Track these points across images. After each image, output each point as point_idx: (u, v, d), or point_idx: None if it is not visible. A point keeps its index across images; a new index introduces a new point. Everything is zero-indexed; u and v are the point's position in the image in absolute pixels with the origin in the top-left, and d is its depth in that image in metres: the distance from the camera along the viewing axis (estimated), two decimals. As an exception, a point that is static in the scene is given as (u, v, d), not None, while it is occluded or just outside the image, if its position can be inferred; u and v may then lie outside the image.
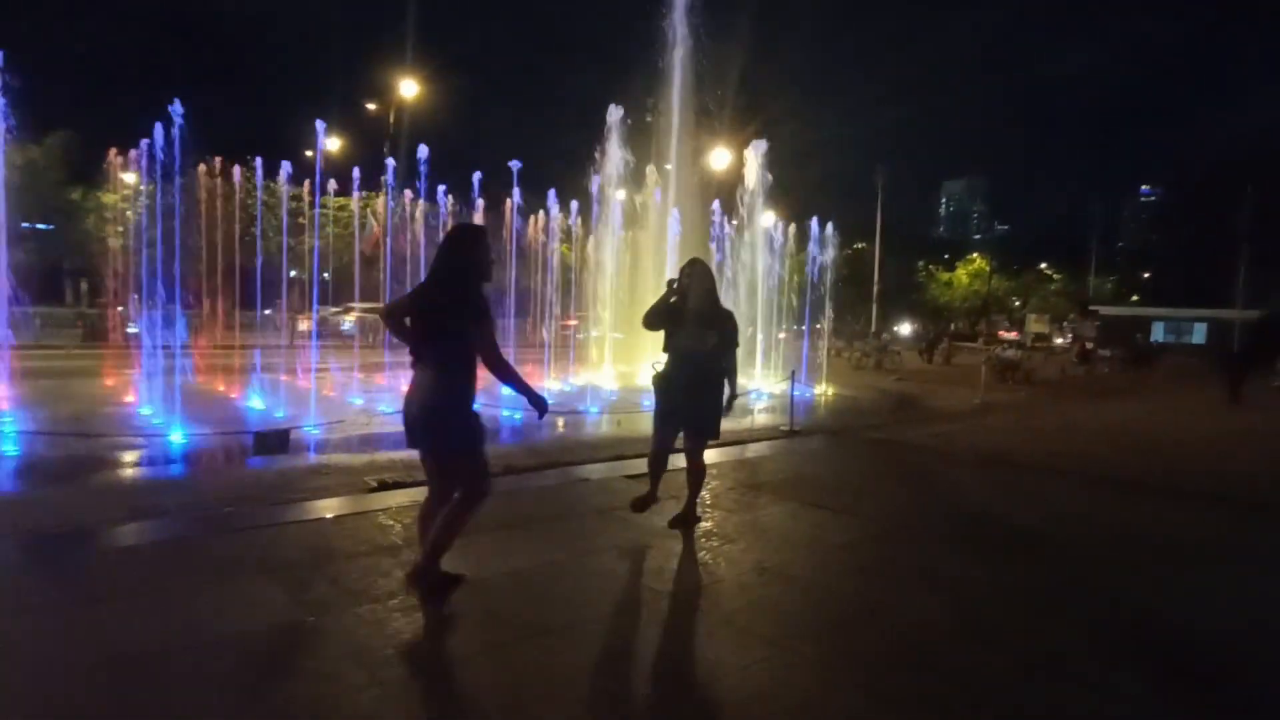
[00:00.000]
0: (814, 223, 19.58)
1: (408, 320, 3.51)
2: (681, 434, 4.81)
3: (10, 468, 6.51)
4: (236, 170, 21.05)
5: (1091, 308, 41.36)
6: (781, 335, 20.55)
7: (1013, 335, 36.78)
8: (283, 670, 2.91)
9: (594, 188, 17.76)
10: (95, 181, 34.58)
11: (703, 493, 5.34)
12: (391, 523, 4.81)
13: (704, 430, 4.77)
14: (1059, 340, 48.66)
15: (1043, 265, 63.63)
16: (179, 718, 2.55)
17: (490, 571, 3.91)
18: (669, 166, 20.66)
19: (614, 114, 18.24)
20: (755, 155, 18.96)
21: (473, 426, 3.44)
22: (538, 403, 3.49)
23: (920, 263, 62.13)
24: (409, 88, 26.32)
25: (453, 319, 3.36)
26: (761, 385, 14.96)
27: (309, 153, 39.91)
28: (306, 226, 37.04)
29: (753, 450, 8.21)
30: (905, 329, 51.17)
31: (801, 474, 6.91)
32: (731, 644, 3.24)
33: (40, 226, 36.18)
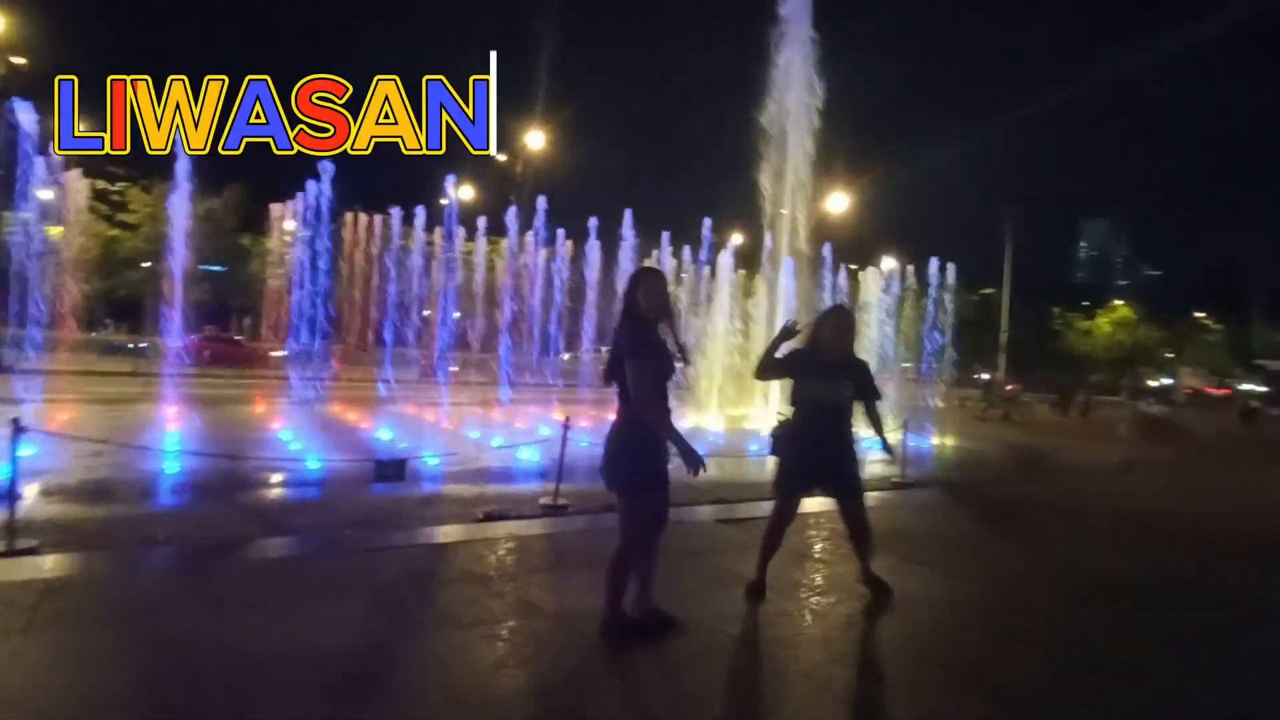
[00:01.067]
0: (932, 265, 18.86)
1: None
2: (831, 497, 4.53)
3: (169, 484, 7.29)
4: (388, 218, 22.83)
5: (1257, 361, 37.25)
6: (891, 381, 19.79)
7: (1156, 383, 33.57)
8: (370, 685, 3.12)
9: (707, 230, 18.02)
10: (261, 229, 38.52)
11: (796, 542, 5.28)
12: (489, 554, 5.02)
13: (856, 486, 4.52)
14: (1213, 392, 43.99)
15: (1199, 314, 58.12)
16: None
17: (580, 606, 4.00)
18: (783, 210, 20.62)
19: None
20: (870, 197, 18.67)
21: (639, 468, 3.46)
22: (689, 457, 3.32)
23: (1056, 309, 58.27)
24: (535, 139, 27.84)
25: (614, 359, 3.50)
26: (869, 435, 14.45)
27: (443, 200, 42.82)
28: (437, 269, 39.52)
29: (873, 499, 7.95)
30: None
31: (906, 528, 6.62)
32: (808, 697, 3.18)
33: (214, 269, 40.40)
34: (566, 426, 7.50)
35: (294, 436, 10.43)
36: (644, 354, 3.40)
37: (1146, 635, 4.24)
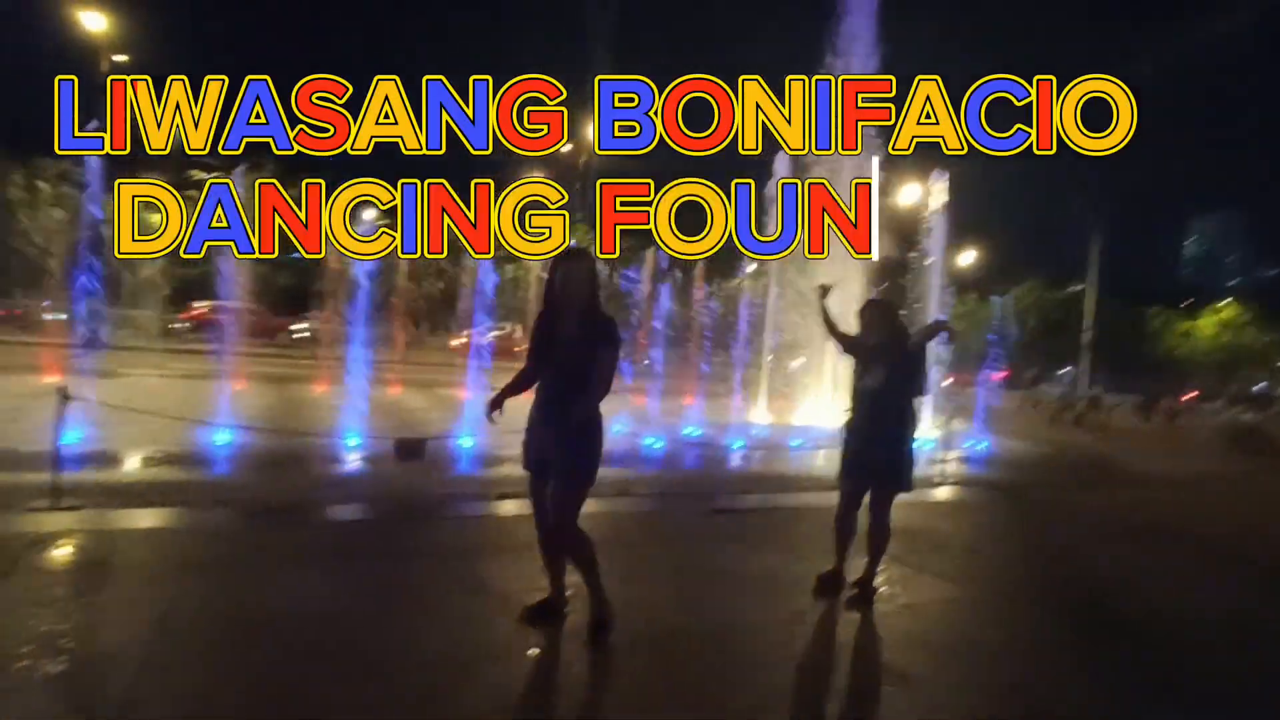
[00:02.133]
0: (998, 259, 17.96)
1: None
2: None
3: (224, 454, 7.68)
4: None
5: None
6: (949, 380, 18.98)
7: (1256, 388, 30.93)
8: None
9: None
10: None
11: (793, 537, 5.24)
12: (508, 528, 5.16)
13: (889, 479, 4.36)
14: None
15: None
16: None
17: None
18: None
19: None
20: (939, 187, 17.92)
21: (599, 456, 3.48)
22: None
23: (1153, 309, 54.75)
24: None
25: (575, 344, 3.46)
26: (932, 434, 13.98)
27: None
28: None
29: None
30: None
31: (911, 526, 6.36)
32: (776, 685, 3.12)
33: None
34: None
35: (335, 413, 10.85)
36: (617, 343, 3.41)
37: (1133, 657, 3.99)
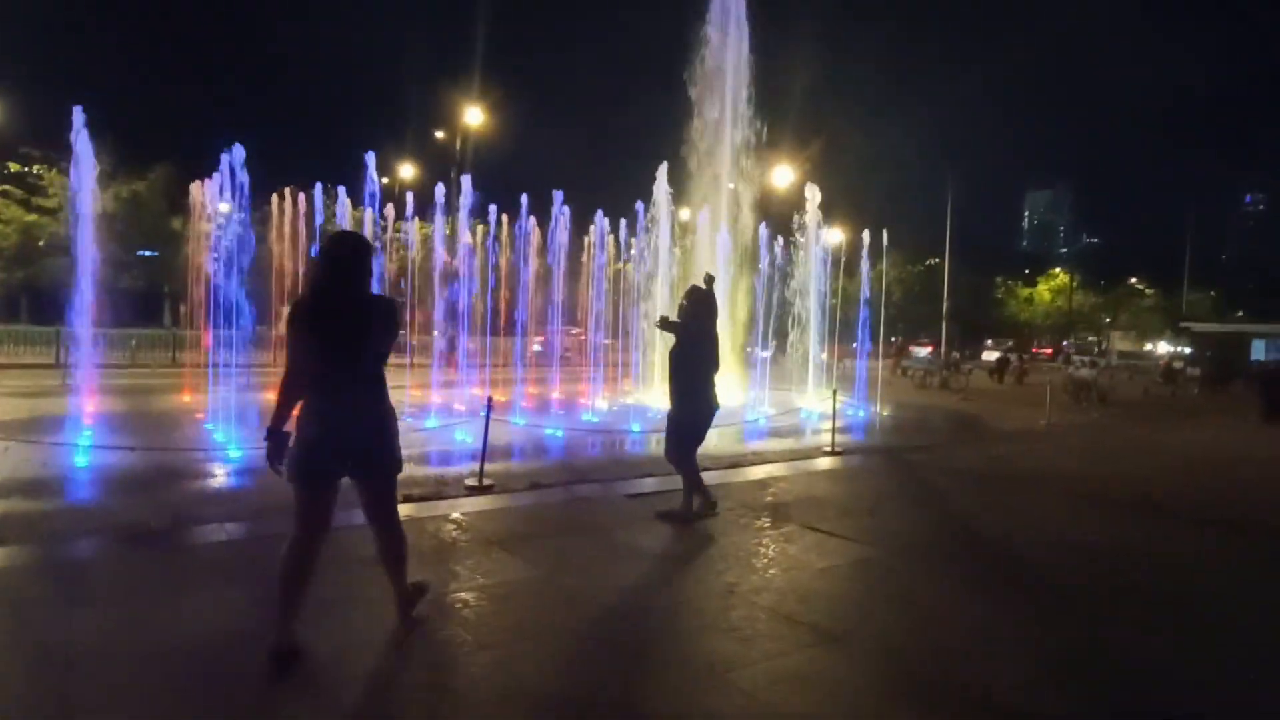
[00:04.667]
0: (865, 236, 19.01)
1: None
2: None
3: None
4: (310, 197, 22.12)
5: (1184, 324, 38.79)
6: (824, 354, 20.00)
7: (1082, 356, 34.52)
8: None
9: (642, 208, 17.85)
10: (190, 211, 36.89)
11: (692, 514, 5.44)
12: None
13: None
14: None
15: (1133, 280, 60.25)
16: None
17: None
18: (732, 186, 20.51)
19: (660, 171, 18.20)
20: (810, 168, 18.73)
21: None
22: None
23: (999, 278, 59.79)
24: (474, 115, 27.25)
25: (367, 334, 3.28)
26: (810, 405, 14.66)
27: (385, 179, 41.80)
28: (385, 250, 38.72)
29: (779, 470, 8.04)
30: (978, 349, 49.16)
31: (814, 495, 6.71)
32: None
33: (145, 254, 38.68)
34: (489, 408, 7.39)
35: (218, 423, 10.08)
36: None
37: (1001, 587, 4.42)
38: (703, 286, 5.63)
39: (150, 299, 38.93)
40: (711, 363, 5.57)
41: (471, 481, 6.76)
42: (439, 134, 30.57)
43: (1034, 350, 28.70)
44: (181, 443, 8.77)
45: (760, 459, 8.87)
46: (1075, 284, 57.74)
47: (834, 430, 9.88)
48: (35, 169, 34.28)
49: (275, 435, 3.01)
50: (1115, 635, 3.72)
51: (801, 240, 18.94)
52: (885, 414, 14.82)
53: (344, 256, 3.16)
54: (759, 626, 3.59)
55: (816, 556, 4.78)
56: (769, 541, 5.05)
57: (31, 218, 33.91)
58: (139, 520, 5.05)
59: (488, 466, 6.76)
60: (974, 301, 49.66)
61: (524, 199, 17.02)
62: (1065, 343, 50.09)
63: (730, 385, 16.12)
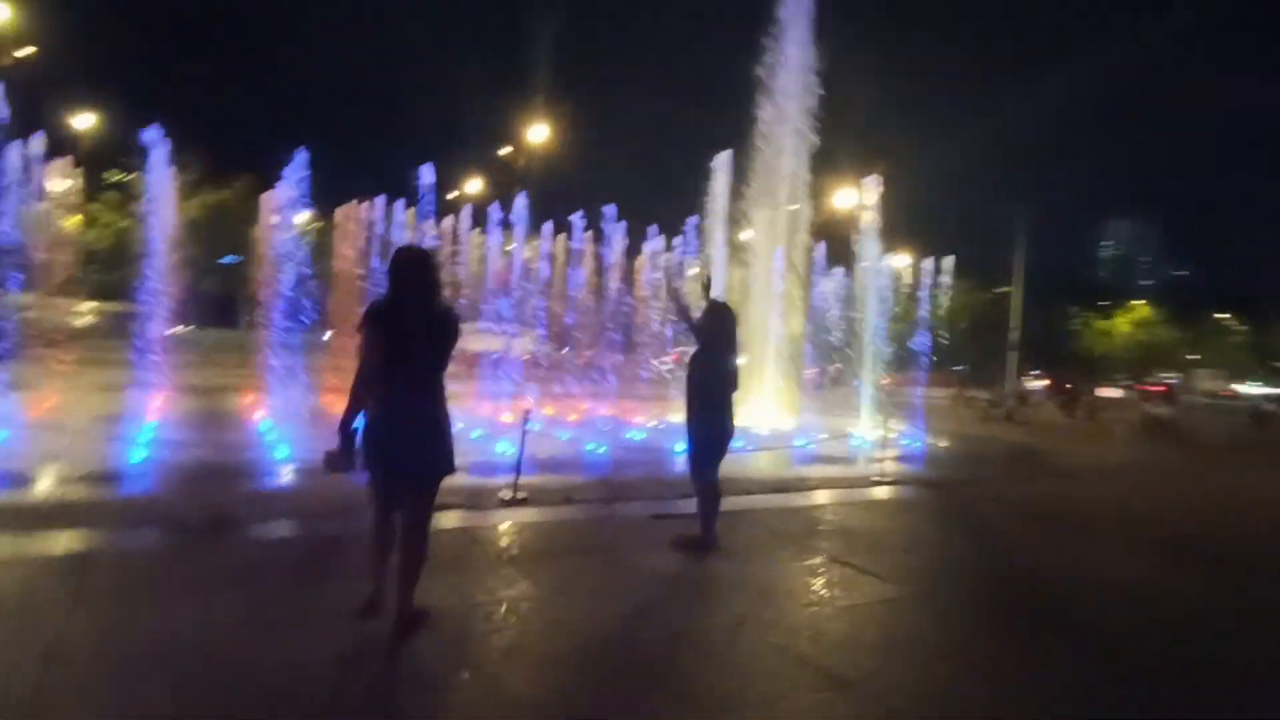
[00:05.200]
0: (928, 260, 18.48)
1: None
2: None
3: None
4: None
5: (1278, 364, 36.31)
6: (885, 380, 19.40)
7: (1159, 388, 32.27)
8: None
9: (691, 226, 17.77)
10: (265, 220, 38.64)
11: (719, 537, 5.22)
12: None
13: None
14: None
15: (1222, 315, 56.93)
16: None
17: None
18: (794, 207, 20.24)
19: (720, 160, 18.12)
20: (872, 191, 18.34)
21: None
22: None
23: (1074, 309, 57.34)
24: (537, 132, 27.75)
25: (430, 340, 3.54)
26: (865, 432, 14.22)
27: (452, 194, 42.95)
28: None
29: (820, 498, 7.77)
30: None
31: (850, 526, 6.43)
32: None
33: (228, 260, 40.56)
34: (526, 420, 7.40)
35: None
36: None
37: (1041, 638, 4.08)
38: (721, 300, 5.53)
39: (230, 302, 40.81)
40: (730, 380, 5.34)
41: (506, 494, 6.75)
42: (503, 151, 31.24)
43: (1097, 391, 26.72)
44: (238, 441, 9.07)
45: (802, 485, 8.60)
46: (1157, 317, 54.96)
47: (883, 459, 9.53)
48: (128, 177, 36.46)
49: (343, 433, 3.30)
50: (1161, 694, 3.39)
51: (863, 264, 18.54)
52: (942, 445, 14.26)
53: (410, 269, 3.43)
54: (763, 664, 3.41)
55: (840, 593, 4.54)
56: (792, 574, 4.84)
57: (126, 223, 36.03)
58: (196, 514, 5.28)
59: (529, 480, 6.81)
60: (1045, 332, 47.68)
61: (613, 214, 17.07)
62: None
63: (783, 408, 15.85)
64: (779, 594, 4.49)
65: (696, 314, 5.47)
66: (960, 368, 31.51)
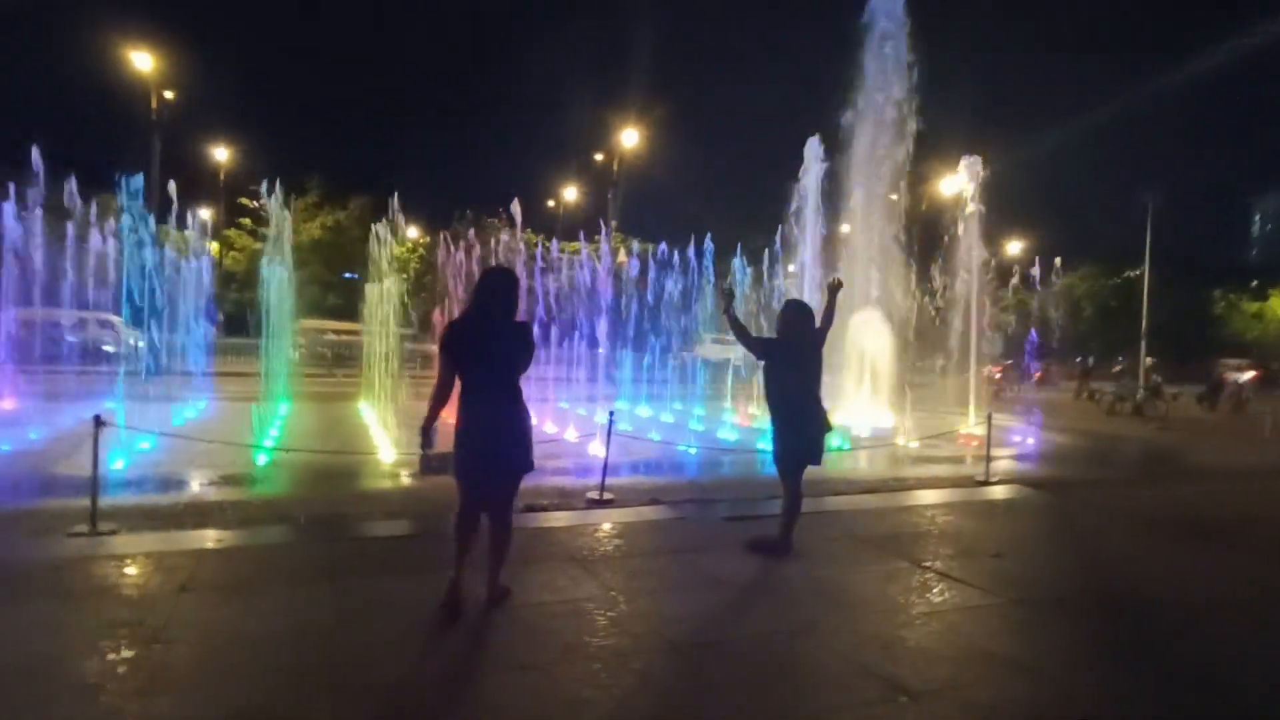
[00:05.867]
0: (1046, 248, 17.29)
1: None
2: None
3: None
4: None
5: None
6: (994, 372, 18.27)
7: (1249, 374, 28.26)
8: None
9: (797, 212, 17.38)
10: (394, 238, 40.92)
11: (795, 541, 5.08)
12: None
13: (818, 457, 5.08)
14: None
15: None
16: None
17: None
18: (894, 196, 19.51)
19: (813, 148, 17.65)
20: (975, 173, 17.40)
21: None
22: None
23: (1218, 292, 52.13)
24: (629, 137, 28.04)
25: (511, 352, 3.93)
26: (976, 429, 13.51)
27: (550, 202, 44.07)
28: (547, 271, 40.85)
29: (915, 499, 7.44)
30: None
31: (941, 530, 6.11)
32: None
33: (347, 276, 43.20)
34: (612, 422, 7.51)
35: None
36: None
37: (1137, 657, 3.71)
38: (796, 300, 5.42)
39: (349, 316, 43.42)
40: (800, 387, 5.06)
41: (593, 495, 6.89)
42: (597, 156, 31.74)
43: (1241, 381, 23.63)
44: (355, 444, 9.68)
45: (897, 486, 8.30)
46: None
47: (988, 458, 9.02)
48: (259, 204, 39.53)
49: (425, 431, 3.73)
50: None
51: (975, 252, 17.59)
52: (1058, 442, 13.35)
53: (490, 288, 3.82)
54: (826, 673, 3.30)
55: (917, 599, 4.33)
56: (869, 579, 4.66)
57: (258, 245, 39.09)
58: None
59: (623, 481, 7.15)
60: (1183, 317, 43.58)
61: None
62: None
63: (887, 406, 15.28)
64: (852, 600, 4.34)
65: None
66: (1082, 358, 29.24)
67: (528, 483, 7.47)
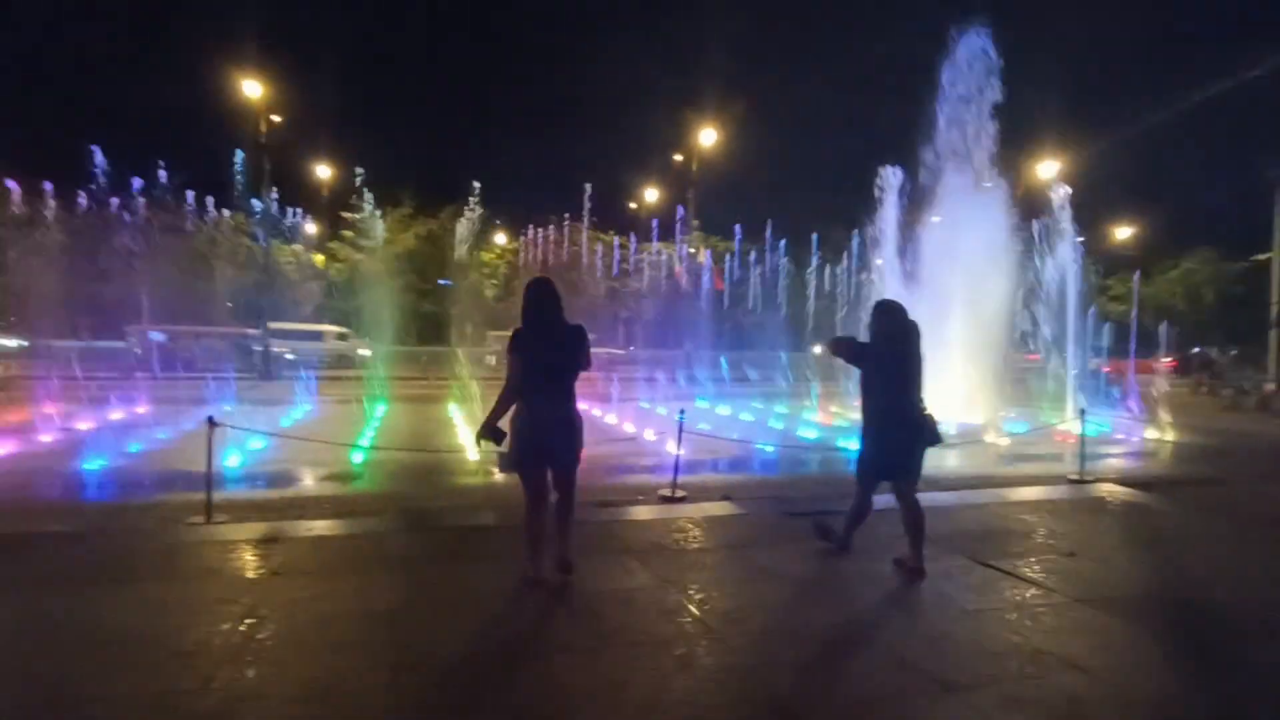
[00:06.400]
0: (1157, 232, 16.19)
1: None
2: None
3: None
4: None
5: None
6: (1100, 366, 17.21)
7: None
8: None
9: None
10: (477, 244, 42.69)
11: (853, 540, 5.07)
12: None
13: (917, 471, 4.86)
14: None
15: None
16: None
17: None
18: (987, 185, 18.69)
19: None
20: (1072, 158, 16.48)
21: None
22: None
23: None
24: (707, 136, 28.00)
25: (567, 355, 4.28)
26: (1077, 425, 12.83)
27: (632, 205, 44.48)
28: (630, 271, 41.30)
29: (992, 497, 7.19)
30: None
31: (1013, 527, 5.90)
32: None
33: (441, 282, 45.00)
34: (682, 419, 7.65)
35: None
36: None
37: (1208, 667, 3.49)
38: (892, 300, 5.15)
39: (442, 321, 45.30)
40: (906, 387, 4.73)
41: (666, 491, 7.06)
42: (677, 157, 31.84)
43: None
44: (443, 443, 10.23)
45: (980, 483, 8.04)
46: None
47: (1091, 455, 8.58)
48: (359, 217, 41.74)
49: (490, 428, 4.06)
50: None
51: (1077, 237, 16.66)
52: (1169, 439, 12.51)
53: (543, 296, 4.15)
54: (865, 664, 3.32)
55: (973, 595, 4.25)
56: (929, 575, 4.59)
57: (359, 256, 41.29)
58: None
59: (697, 478, 7.51)
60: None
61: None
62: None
63: (983, 400, 14.69)
64: (903, 594, 4.32)
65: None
66: (1199, 349, 27.09)
67: (604, 479, 7.81)
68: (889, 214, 17.25)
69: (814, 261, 18.51)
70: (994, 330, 16.02)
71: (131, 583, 4.29)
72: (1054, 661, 3.39)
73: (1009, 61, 16.61)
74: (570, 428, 4.13)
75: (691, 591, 4.25)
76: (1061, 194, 16.16)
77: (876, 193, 17.33)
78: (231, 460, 8.09)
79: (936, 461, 9.58)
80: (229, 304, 36.87)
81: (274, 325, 26.19)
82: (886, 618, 3.96)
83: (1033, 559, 5.02)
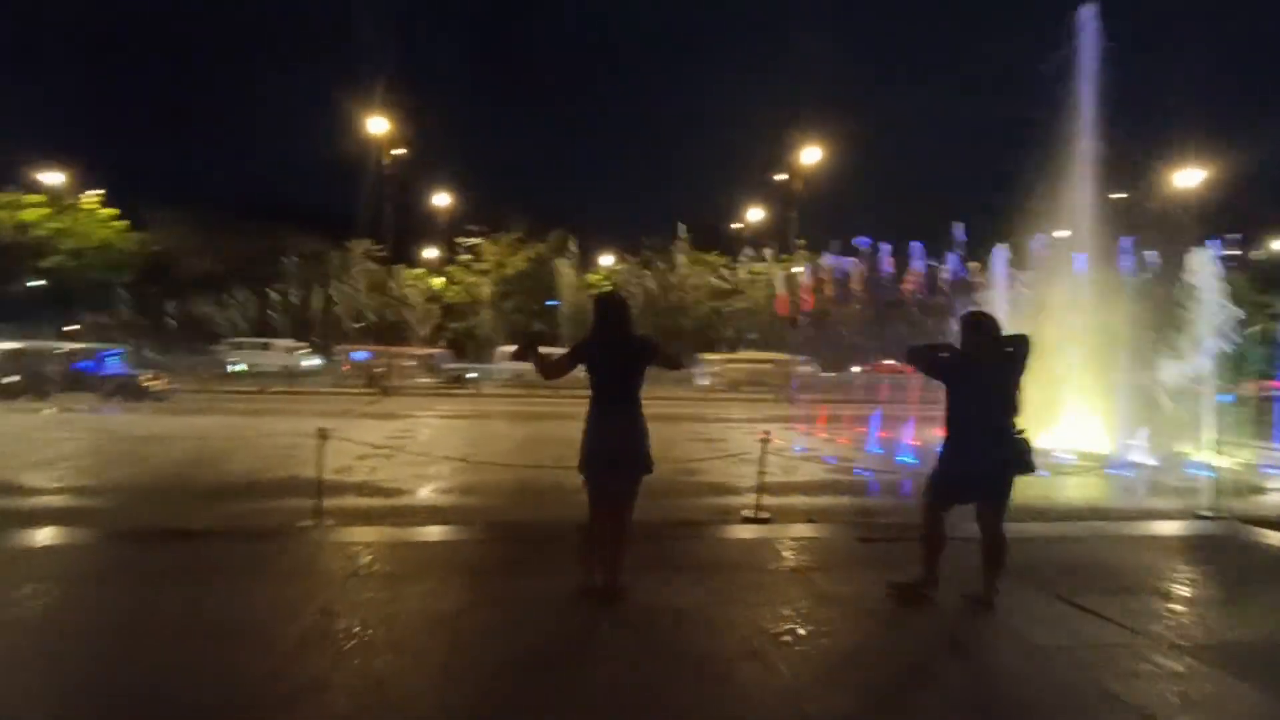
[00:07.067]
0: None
1: None
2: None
3: None
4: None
5: None
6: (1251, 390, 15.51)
7: None
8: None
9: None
10: (587, 267, 43.97)
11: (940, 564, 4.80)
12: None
13: (1006, 492, 4.45)
14: None
15: None
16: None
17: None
18: (1117, 195, 17.44)
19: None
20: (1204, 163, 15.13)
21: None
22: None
23: None
24: (810, 154, 27.69)
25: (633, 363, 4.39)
26: (1210, 456, 11.66)
27: (735, 225, 44.49)
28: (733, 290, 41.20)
29: (1089, 530, 6.68)
30: None
31: (1108, 562, 5.49)
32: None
33: (550, 304, 46.55)
34: (766, 441, 7.66)
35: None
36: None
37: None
38: (982, 310, 4.82)
39: (550, 341, 46.71)
40: (990, 404, 4.39)
41: (748, 513, 7.05)
42: (780, 176, 31.63)
43: None
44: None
45: (1095, 515, 7.47)
46: None
47: (1218, 489, 7.82)
48: (475, 242, 43.99)
49: (530, 344, 4.43)
50: None
51: (1227, 253, 15.22)
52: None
53: (611, 310, 4.33)
54: (906, 696, 3.23)
55: (1043, 632, 4.03)
56: (994, 609, 4.38)
57: (472, 279, 43.45)
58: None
59: (784, 500, 7.65)
60: None
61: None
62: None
63: (1105, 426, 13.61)
64: (962, 626, 4.15)
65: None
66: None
67: (689, 499, 7.87)
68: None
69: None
70: (1134, 350, 14.82)
71: (225, 579, 4.72)
72: (1113, 702, 3.19)
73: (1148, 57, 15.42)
74: (636, 437, 4.22)
75: (742, 610, 4.28)
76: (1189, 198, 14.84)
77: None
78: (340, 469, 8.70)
79: (1048, 490, 9.02)
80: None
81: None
82: (937, 648, 3.82)
83: (1119, 598, 4.68)
